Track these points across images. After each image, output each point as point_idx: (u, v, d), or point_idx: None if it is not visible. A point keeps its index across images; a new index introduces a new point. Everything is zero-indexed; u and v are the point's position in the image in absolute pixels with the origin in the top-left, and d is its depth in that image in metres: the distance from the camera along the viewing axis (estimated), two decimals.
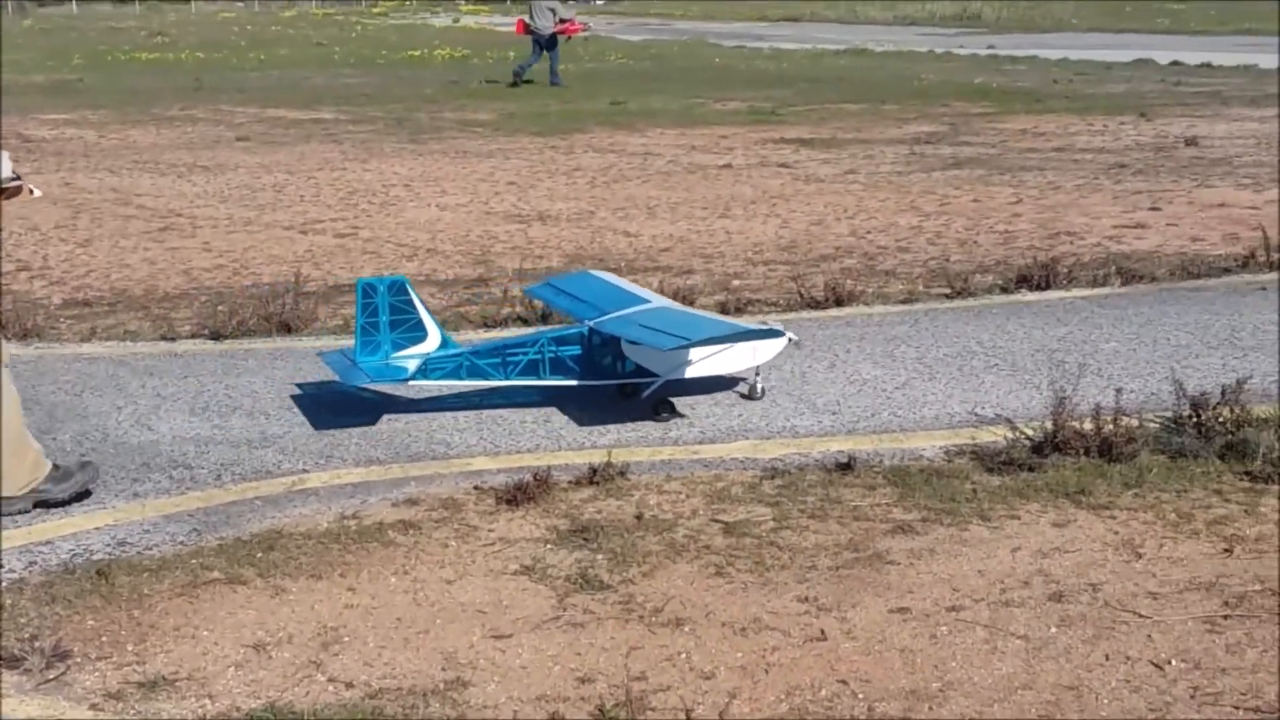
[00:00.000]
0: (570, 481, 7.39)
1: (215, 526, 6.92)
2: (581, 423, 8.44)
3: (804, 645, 5.62)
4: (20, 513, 7.06)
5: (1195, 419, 7.81)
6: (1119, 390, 8.20)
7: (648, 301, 8.97)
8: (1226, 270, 12.28)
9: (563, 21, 34.10)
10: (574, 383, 8.61)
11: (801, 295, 11.25)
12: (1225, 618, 5.77)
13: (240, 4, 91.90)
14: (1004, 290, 11.66)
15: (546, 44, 33.44)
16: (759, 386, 8.93)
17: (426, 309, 8.61)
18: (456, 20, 74.76)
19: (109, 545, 6.71)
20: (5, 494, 7.04)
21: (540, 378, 8.54)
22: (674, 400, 8.63)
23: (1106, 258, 12.82)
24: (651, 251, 13.75)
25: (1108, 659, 5.46)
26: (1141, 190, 16.84)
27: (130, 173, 19.52)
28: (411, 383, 8.46)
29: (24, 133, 24.10)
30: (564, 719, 5.11)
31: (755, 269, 12.81)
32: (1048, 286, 11.60)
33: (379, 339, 8.39)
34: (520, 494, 7.14)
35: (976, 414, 8.49)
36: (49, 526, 6.97)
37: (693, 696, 5.24)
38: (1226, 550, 6.44)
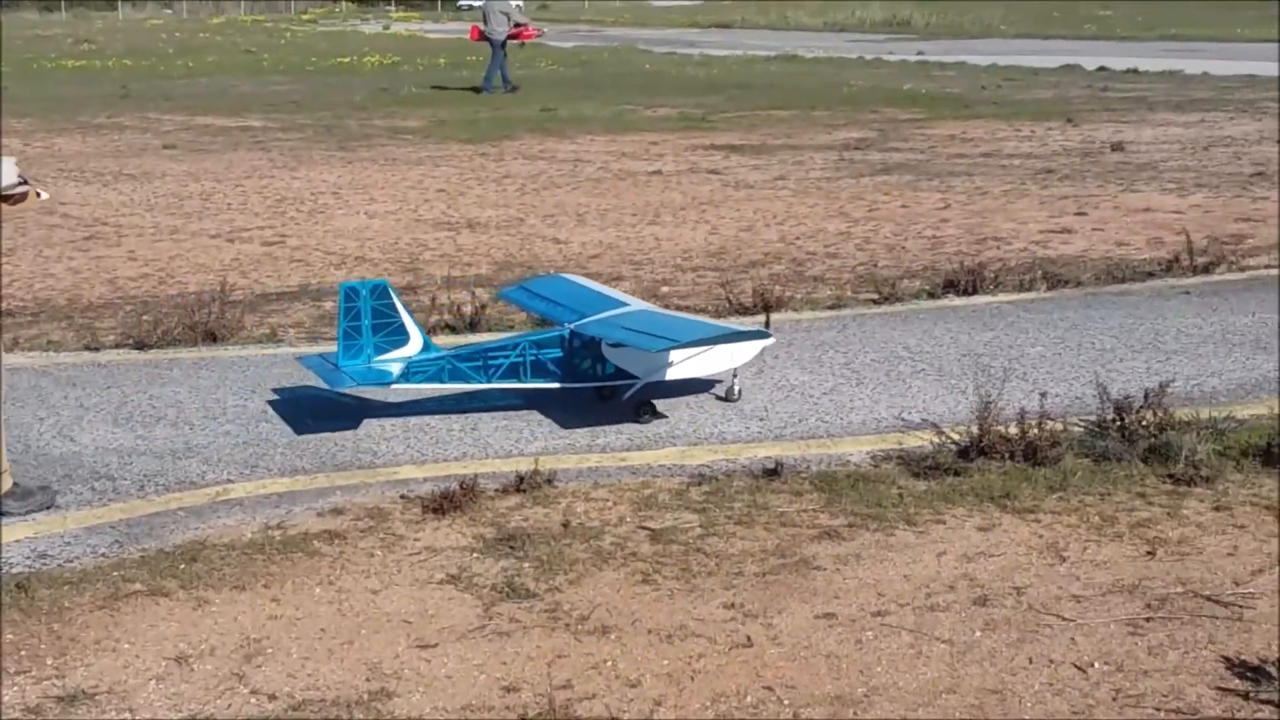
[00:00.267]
0: (497, 490, 7.37)
1: (138, 538, 6.86)
2: (509, 430, 8.42)
3: (730, 652, 5.63)
4: None
5: (1119, 422, 7.87)
6: (1044, 394, 8.26)
7: (626, 304, 9.03)
8: (1151, 274, 12.39)
9: (517, 26, 34.05)
10: (555, 385, 8.63)
11: (730, 302, 11.26)
12: (1148, 620, 5.82)
13: (168, 11, 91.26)
14: (931, 295, 11.73)
15: (497, 48, 33.35)
16: (736, 388, 8.98)
17: (409, 312, 8.59)
18: (387, 27, 74.51)
19: (29, 558, 6.64)
20: None
21: (521, 381, 8.56)
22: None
23: (1033, 263, 12.91)
24: (581, 258, 13.73)
25: (1031, 662, 5.49)
26: (1068, 195, 16.97)
27: (55, 181, 19.34)
28: (394, 386, 8.46)
29: None
30: None
31: (684, 275, 12.82)
32: (974, 291, 11.66)
33: (361, 343, 8.37)
34: (447, 503, 7.12)
35: (903, 419, 8.52)
36: None
37: (618, 704, 5.24)
38: (1149, 553, 6.49)
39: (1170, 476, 7.36)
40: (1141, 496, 7.17)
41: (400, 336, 8.43)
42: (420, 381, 8.44)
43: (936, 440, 7.87)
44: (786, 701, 5.24)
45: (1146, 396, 7.94)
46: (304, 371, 8.90)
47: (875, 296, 11.66)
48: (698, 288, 12.24)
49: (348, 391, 8.69)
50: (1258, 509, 6.96)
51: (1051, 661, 5.49)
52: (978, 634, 5.73)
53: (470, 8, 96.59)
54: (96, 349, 10.49)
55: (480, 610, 6.04)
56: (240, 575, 6.41)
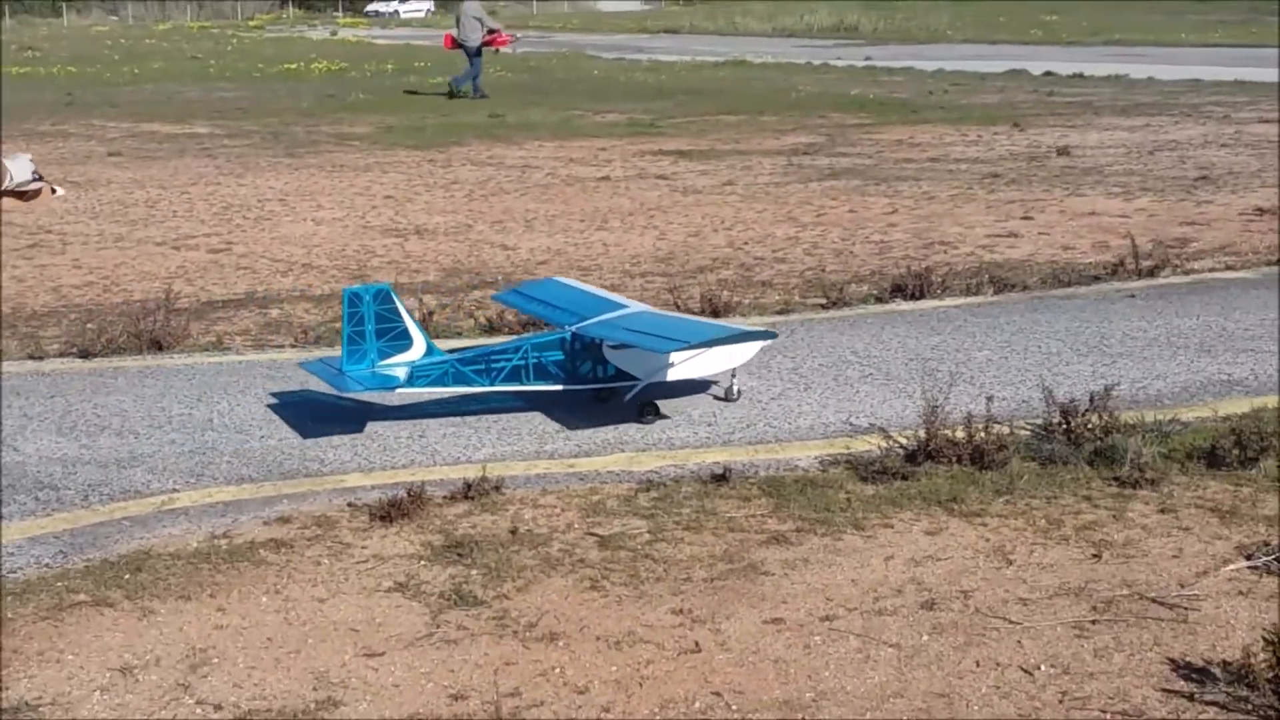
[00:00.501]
0: (445, 497, 7.35)
1: (82, 548, 6.81)
2: (457, 437, 8.40)
3: (678, 658, 5.63)
4: None
5: (1065, 426, 7.92)
6: (990, 398, 8.30)
7: (625, 306, 9.09)
8: (1096, 278, 12.45)
9: (491, 33, 33.99)
10: (557, 388, 8.69)
11: (678, 307, 11.26)
12: (1093, 622, 5.85)
13: (114, 18, 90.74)
14: (879, 300, 11.76)
15: (473, 54, 33.31)
16: (735, 388, 9.04)
17: (412, 316, 8.60)
18: (334, 33, 74.25)
19: None
20: None
21: (523, 383, 8.61)
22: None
23: (979, 267, 12.97)
24: (529, 264, 13.72)
25: (978, 665, 5.51)
26: (1014, 199, 17.04)
27: None
28: (399, 390, 8.49)
29: None
30: None
31: (633, 281, 12.82)
32: (922, 296, 11.70)
33: (365, 347, 8.39)
34: (394, 510, 7.10)
35: (851, 424, 8.54)
36: None
37: (566, 711, 5.23)
38: (1095, 555, 6.52)
39: (1116, 479, 7.41)
40: (1087, 499, 7.21)
41: (404, 341, 8.47)
42: (424, 385, 8.51)
43: (884, 445, 7.89)
44: (735, 707, 5.24)
45: (1092, 400, 7.98)
46: (247, 377, 8.86)
47: (823, 301, 11.69)
48: (646, 293, 12.23)
49: (352, 396, 8.72)
50: (1202, 511, 7.01)
51: (998, 664, 5.52)
52: (925, 638, 5.75)
53: (378, 14, 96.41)
54: (40, 358, 10.42)
55: (428, 618, 6.02)
56: (186, 585, 6.37)
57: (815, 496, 7.29)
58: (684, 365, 8.59)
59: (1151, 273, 12.50)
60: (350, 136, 25.38)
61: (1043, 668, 5.48)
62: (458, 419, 8.70)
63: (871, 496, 7.29)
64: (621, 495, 7.41)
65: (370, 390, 8.47)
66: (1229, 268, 12.93)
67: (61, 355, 10.45)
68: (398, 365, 8.40)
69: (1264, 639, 5.26)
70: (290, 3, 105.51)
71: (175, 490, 7.60)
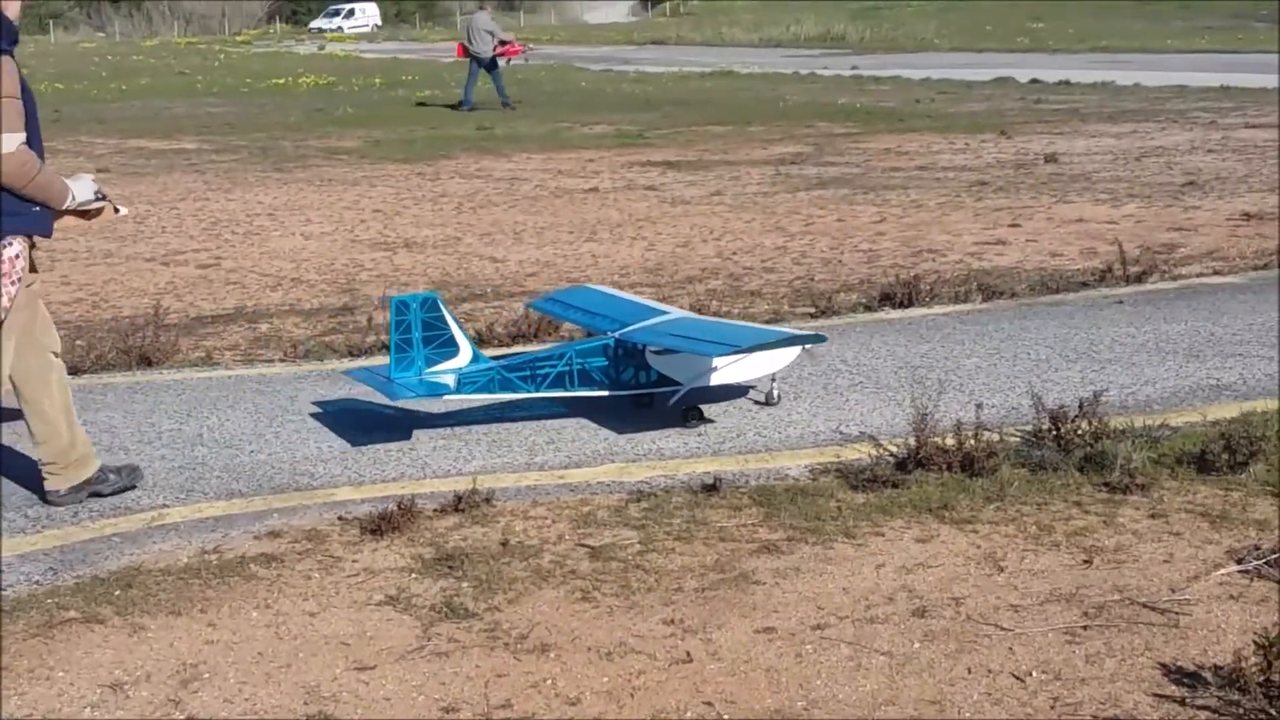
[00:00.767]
0: (435, 509, 7.33)
1: (72, 565, 6.79)
2: (447, 449, 8.39)
3: (670, 668, 5.62)
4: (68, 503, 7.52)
5: (1054, 432, 7.91)
6: (980, 405, 8.30)
7: (666, 312, 9.17)
8: (1084, 285, 12.48)
9: (502, 44, 34.11)
10: (603, 393, 8.75)
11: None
12: (1085, 628, 5.84)
13: (100, 34, 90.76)
14: (868, 308, 11.77)
15: (487, 66, 33.41)
16: (775, 392, 9.08)
17: (458, 324, 8.64)
18: (322, 48, 74.32)
19: None
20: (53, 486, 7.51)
21: (568, 389, 8.68)
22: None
23: (968, 274, 12.98)
24: (518, 276, 13.73)
25: (970, 672, 5.50)
26: (1002, 207, 17.08)
27: None
28: (447, 397, 8.57)
29: None
30: None
31: (622, 292, 12.80)
32: (910, 304, 11.72)
33: (413, 355, 8.44)
34: (385, 523, 7.08)
35: (841, 432, 8.54)
36: None
37: None
38: (1086, 561, 6.52)
39: (1106, 485, 7.41)
40: (1078, 505, 7.21)
41: (450, 348, 8.52)
42: (471, 392, 8.56)
43: (874, 453, 7.88)
44: (726, 716, 5.23)
45: (1081, 406, 7.99)
46: (237, 392, 8.85)
47: (812, 310, 11.71)
48: None
49: (400, 404, 8.79)
50: (1193, 515, 7.01)
51: (990, 671, 5.51)
52: (916, 645, 5.74)
53: (321, 31, 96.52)
54: None
55: (419, 631, 6.01)
56: (176, 600, 6.35)
57: (806, 505, 7.28)
58: (726, 370, 8.66)
59: (1139, 279, 12.54)
60: (338, 151, 25.40)
61: (1034, 674, 5.47)
62: (448, 432, 8.70)
63: (862, 505, 7.28)
64: (612, 506, 7.40)
65: (420, 397, 8.53)
66: (1216, 273, 12.97)
67: None
68: (445, 372, 8.48)
69: (1255, 643, 5.25)
70: (277, 18, 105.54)
71: (165, 506, 7.58)
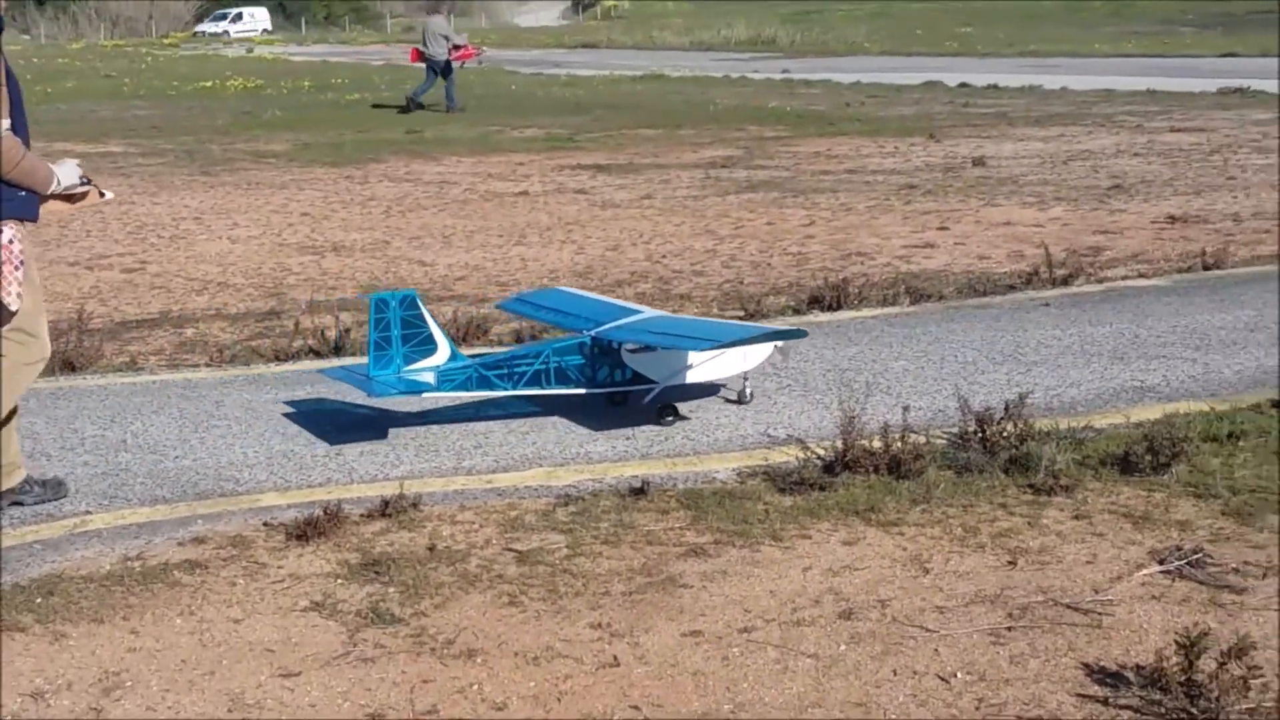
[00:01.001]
0: (362, 514, 7.30)
1: None
2: (374, 454, 8.36)
3: (596, 672, 5.62)
4: None
5: (980, 434, 7.96)
6: (907, 408, 8.33)
7: (639, 311, 9.21)
8: (1011, 287, 12.56)
9: (456, 48, 34.03)
10: (579, 391, 8.80)
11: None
12: (1009, 629, 5.88)
13: (25, 37, 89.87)
14: (796, 311, 11.82)
15: (442, 70, 33.33)
16: (748, 390, 9.13)
17: (436, 322, 8.64)
18: (250, 50, 73.88)
19: None
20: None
21: (544, 388, 8.72)
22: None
23: (896, 277, 13.05)
24: (447, 280, 13.70)
25: (895, 674, 5.53)
26: (931, 210, 17.18)
27: None
28: (425, 394, 8.61)
29: None
30: None
31: (592, 294, 12.80)
32: (839, 307, 11.77)
33: (391, 353, 8.45)
34: (310, 529, 7.04)
35: (769, 435, 8.56)
36: None
37: None
38: (1010, 563, 6.56)
39: (1031, 486, 7.46)
40: (1003, 507, 7.25)
41: (429, 346, 8.54)
42: (449, 390, 8.60)
43: (802, 456, 7.92)
44: None
45: (1007, 408, 8.04)
46: (161, 397, 8.79)
47: (741, 313, 11.73)
48: None
49: (378, 403, 8.86)
50: (1116, 516, 7.07)
51: (915, 673, 5.54)
52: (843, 647, 5.76)
53: (207, 34, 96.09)
54: None
55: (345, 637, 5.98)
56: (98, 608, 6.30)
57: (733, 508, 7.30)
58: (701, 368, 8.75)
59: (1065, 281, 12.63)
60: (266, 154, 25.27)
61: (959, 675, 5.51)
62: (374, 435, 8.66)
63: (789, 508, 7.30)
64: (540, 510, 7.40)
65: (400, 395, 8.56)
66: (1141, 275, 13.09)
67: None
68: (424, 370, 8.51)
69: (1176, 642, 5.30)
70: (205, 21, 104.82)
71: (88, 512, 7.51)
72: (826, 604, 6.18)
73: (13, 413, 7.44)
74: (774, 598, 6.26)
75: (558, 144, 25.95)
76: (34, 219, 7.31)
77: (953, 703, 5.31)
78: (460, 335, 10.72)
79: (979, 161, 21.57)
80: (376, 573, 6.60)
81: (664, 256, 14.67)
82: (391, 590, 6.41)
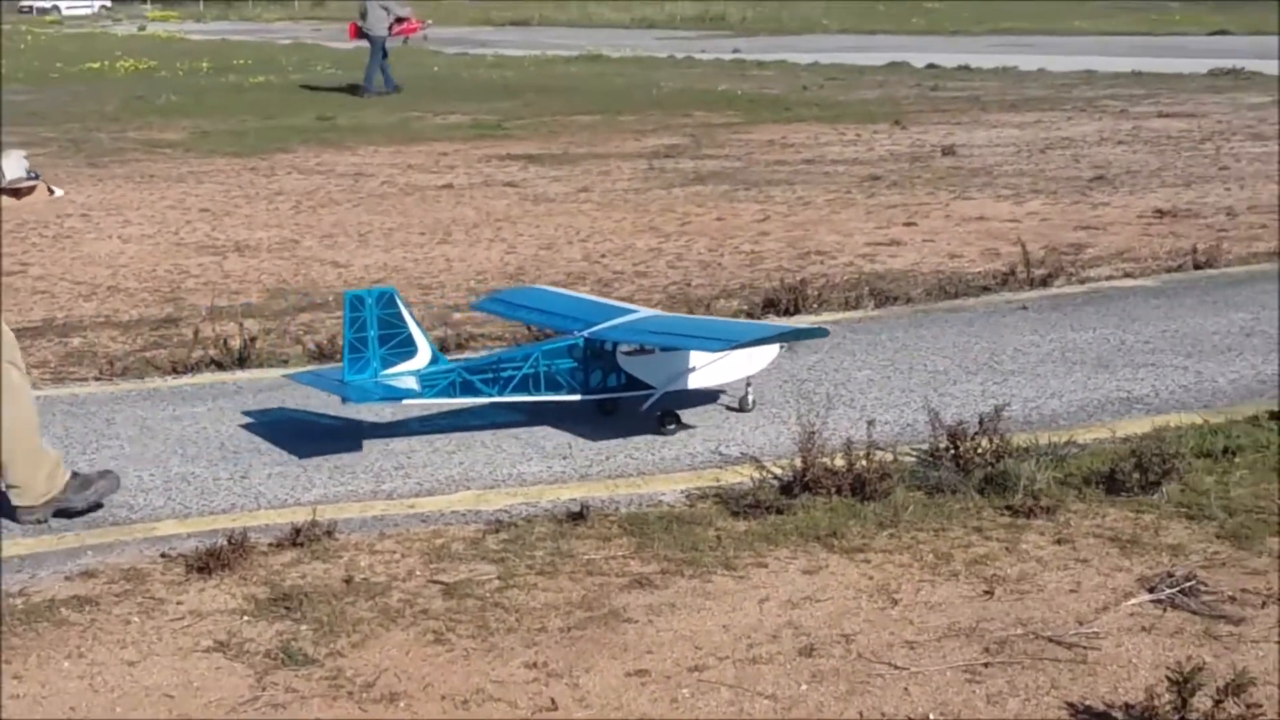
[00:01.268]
0: (270, 544, 7.28)
1: None
2: (284, 477, 8.33)
3: (532, 716, 5.62)
4: (38, 522, 7.62)
5: (953, 451, 7.99)
6: (872, 422, 8.35)
7: (633, 310, 9.27)
8: (985, 289, 12.63)
9: (399, 21, 33.93)
10: (573, 397, 8.83)
11: (529, 328, 11.27)
12: (986, 665, 5.91)
13: None
14: (750, 316, 11.84)
15: (376, 45, 33.24)
16: (750, 397, 9.20)
17: (416, 322, 8.64)
18: (142, 28, 73.54)
19: None
20: (24, 504, 7.60)
21: (533, 394, 8.72)
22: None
23: (859, 278, 13.11)
24: (363, 283, 13.66)
25: (862, 716, 5.55)
26: (896, 204, 17.26)
27: None
28: (405, 401, 8.64)
29: None
30: None
31: (476, 299, 12.80)
32: (796, 311, 11.80)
33: (368, 355, 8.44)
34: (213, 560, 7.01)
35: (721, 453, 8.58)
36: None
37: None
38: (987, 592, 6.60)
39: (1008, 508, 7.50)
40: (978, 531, 7.29)
41: (408, 348, 8.55)
42: (431, 396, 8.59)
43: (757, 476, 7.93)
44: None
45: (982, 422, 8.07)
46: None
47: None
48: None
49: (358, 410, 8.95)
50: (1101, 541, 7.12)
51: (884, 714, 5.56)
52: (804, 687, 5.78)
53: (30, 9, 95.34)
54: None
55: (252, 680, 5.96)
56: None
57: (682, 534, 7.31)
58: (703, 371, 8.82)
59: (1044, 282, 12.71)
60: (161, 143, 25.16)
61: (932, 716, 5.53)
62: (287, 459, 8.64)
63: (744, 533, 7.32)
64: (468, 537, 7.39)
65: (377, 401, 8.61)
66: (1127, 275, 13.19)
67: None
68: (403, 374, 8.52)
69: (1168, 678, 5.35)
70: None
71: None
72: (785, 639, 6.20)
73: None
74: (727, 633, 6.27)
75: (485, 132, 25.94)
76: None
77: None
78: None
79: (949, 150, 21.69)
80: (287, 608, 6.57)
81: (603, 256, 14.68)
82: (304, 628, 6.39)
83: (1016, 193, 17.86)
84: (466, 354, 10.27)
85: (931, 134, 23.98)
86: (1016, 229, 15.30)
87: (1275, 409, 8.84)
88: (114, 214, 17.97)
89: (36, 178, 7.57)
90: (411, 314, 8.64)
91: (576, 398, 8.87)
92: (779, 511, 7.51)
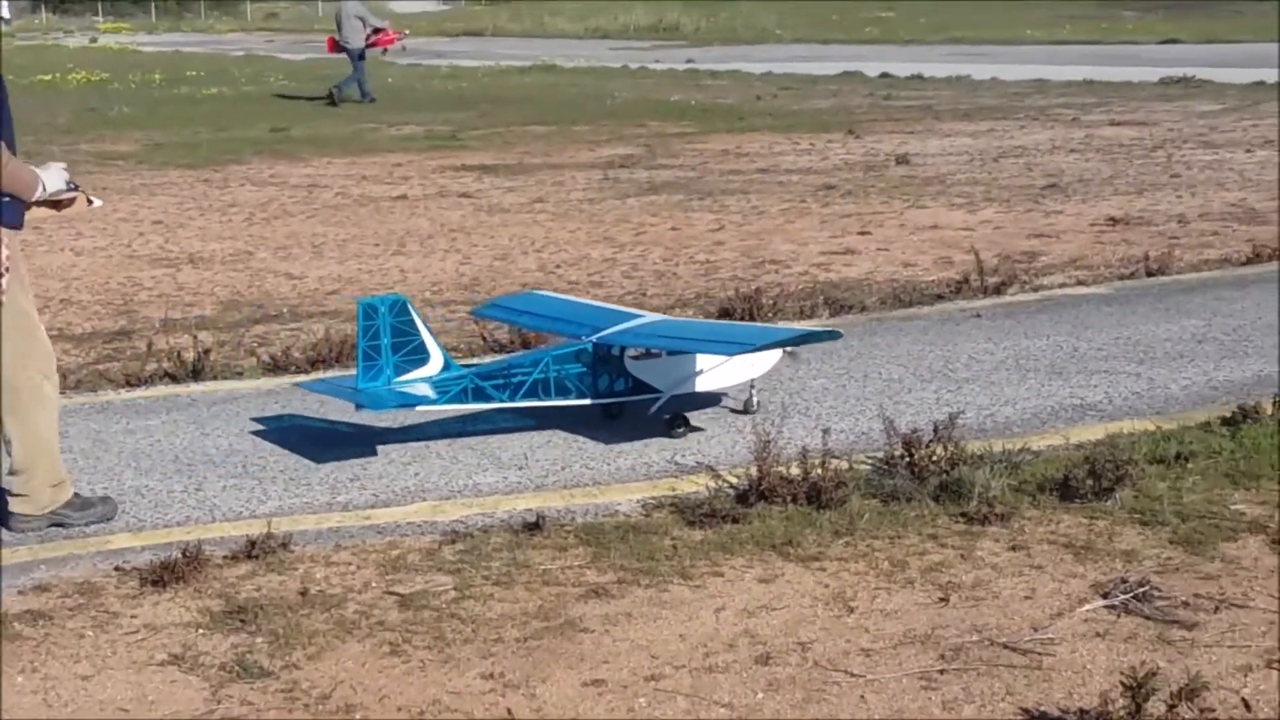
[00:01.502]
0: (225, 557, 7.25)
1: None
2: (239, 489, 8.30)
3: None
4: (30, 531, 7.70)
5: (908, 459, 8.01)
6: (827, 431, 8.37)
7: (639, 315, 9.36)
8: (939, 297, 12.68)
9: (376, 32, 33.90)
10: (583, 402, 8.91)
11: (485, 339, 11.27)
12: (941, 672, 5.93)
13: None
14: None
15: (355, 57, 33.19)
16: (754, 400, 9.25)
17: (428, 329, 8.69)
18: (94, 40, 73.25)
19: None
20: (24, 512, 7.68)
21: (544, 399, 8.80)
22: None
23: (814, 287, 13.14)
24: (318, 295, 13.65)
25: None
26: (851, 213, 17.30)
27: None
28: (419, 408, 8.69)
29: None
30: None
31: (434, 310, 12.79)
32: (752, 319, 11.80)
33: (381, 363, 8.49)
34: (168, 573, 6.98)
35: (676, 463, 8.59)
36: None
37: None
38: (942, 599, 6.62)
39: (963, 515, 7.52)
40: (933, 538, 7.31)
41: (421, 355, 8.61)
42: (444, 402, 8.66)
43: (712, 485, 7.94)
44: None
45: (936, 429, 8.10)
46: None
47: None
48: (449, 324, 12.22)
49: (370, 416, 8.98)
50: (1055, 547, 7.14)
51: None
52: (760, 696, 5.79)
53: None
54: None
55: (207, 693, 5.94)
56: None
57: (638, 544, 7.31)
58: (709, 374, 8.90)
59: (998, 290, 12.77)
60: (113, 155, 25.06)
61: None
62: (237, 468, 8.61)
63: (699, 542, 7.32)
64: (424, 549, 7.38)
65: (392, 409, 8.65)
66: (1080, 283, 13.26)
67: None
68: (416, 381, 8.57)
69: (1122, 683, 5.36)
70: (43, 6, 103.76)
71: None
72: (741, 648, 6.20)
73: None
74: (684, 642, 6.28)
75: (439, 143, 25.93)
76: (18, 227, 7.50)
77: None
78: (334, 356, 10.67)
79: (903, 159, 21.75)
80: (242, 621, 6.55)
81: (558, 266, 14.69)
82: (259, 640, 6.37)
83: (970, 201, 17.93)
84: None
85: (885, 143, 24.05)
86: (970, 237, 15.36)
87: (1227, 415, 8.89)
88: (66, 226, 17.84)
89: (76, 189, 7.70)
90: (423, 321, 8.70)
91: (586, 402, 8.95)
92: (735, 520, 7.52)
